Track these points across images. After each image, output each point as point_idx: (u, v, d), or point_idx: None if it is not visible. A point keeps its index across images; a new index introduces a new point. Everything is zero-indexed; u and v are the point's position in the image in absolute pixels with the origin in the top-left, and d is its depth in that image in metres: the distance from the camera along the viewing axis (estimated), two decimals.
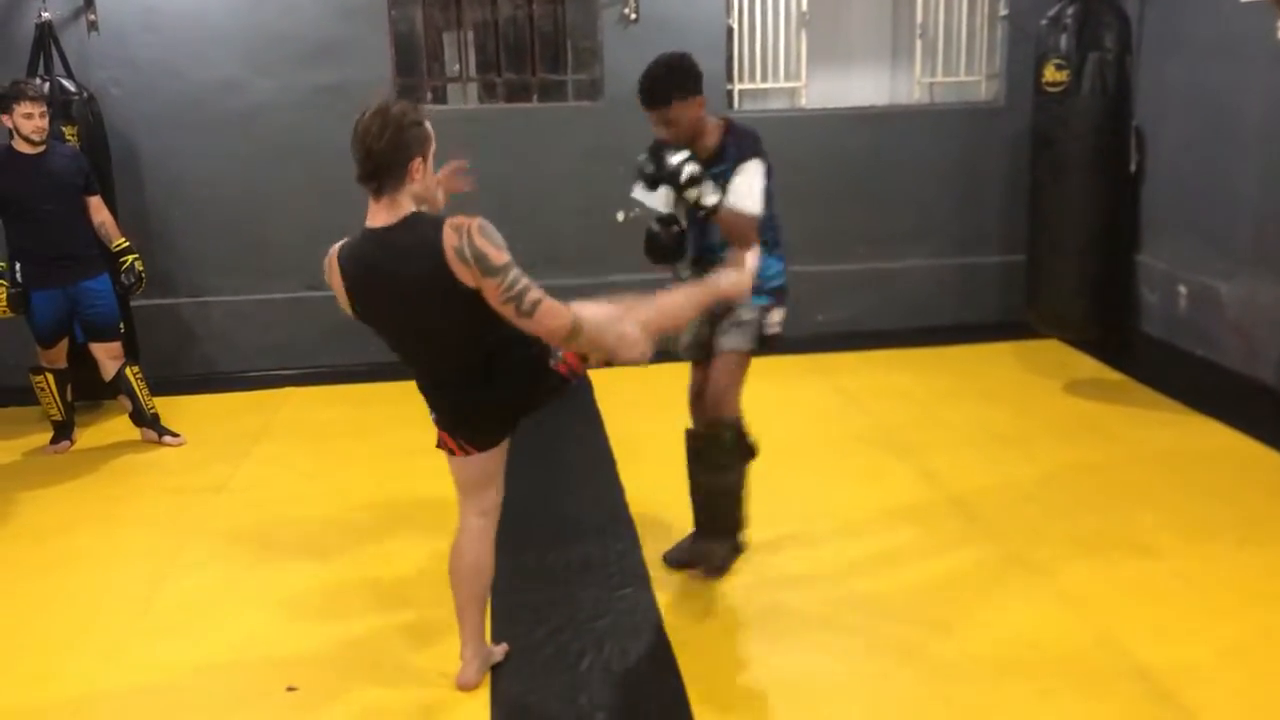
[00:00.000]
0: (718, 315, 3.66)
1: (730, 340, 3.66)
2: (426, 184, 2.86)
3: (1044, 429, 5.21)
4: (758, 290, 3.53)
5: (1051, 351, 6.42)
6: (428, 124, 2.81)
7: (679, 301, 3.23)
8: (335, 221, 6.26)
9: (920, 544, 4.08)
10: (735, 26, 6.77)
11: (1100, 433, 5.13)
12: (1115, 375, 6.01)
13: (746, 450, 3.76)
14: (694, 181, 3.42)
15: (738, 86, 6.86)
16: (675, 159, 3.42)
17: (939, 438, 5.13)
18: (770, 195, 3.57)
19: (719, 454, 3.70)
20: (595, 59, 6.70)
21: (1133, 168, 6.21)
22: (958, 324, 6.96)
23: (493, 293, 2.72)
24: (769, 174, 3.55)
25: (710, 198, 3.44)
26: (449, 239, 2.69)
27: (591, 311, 2.87)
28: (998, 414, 5.43)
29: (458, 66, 6.80)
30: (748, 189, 3.47)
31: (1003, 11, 6.95)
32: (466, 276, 2.71)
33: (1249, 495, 4.38)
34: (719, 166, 3.53)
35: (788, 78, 6.91)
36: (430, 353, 2.94)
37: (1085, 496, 4.43)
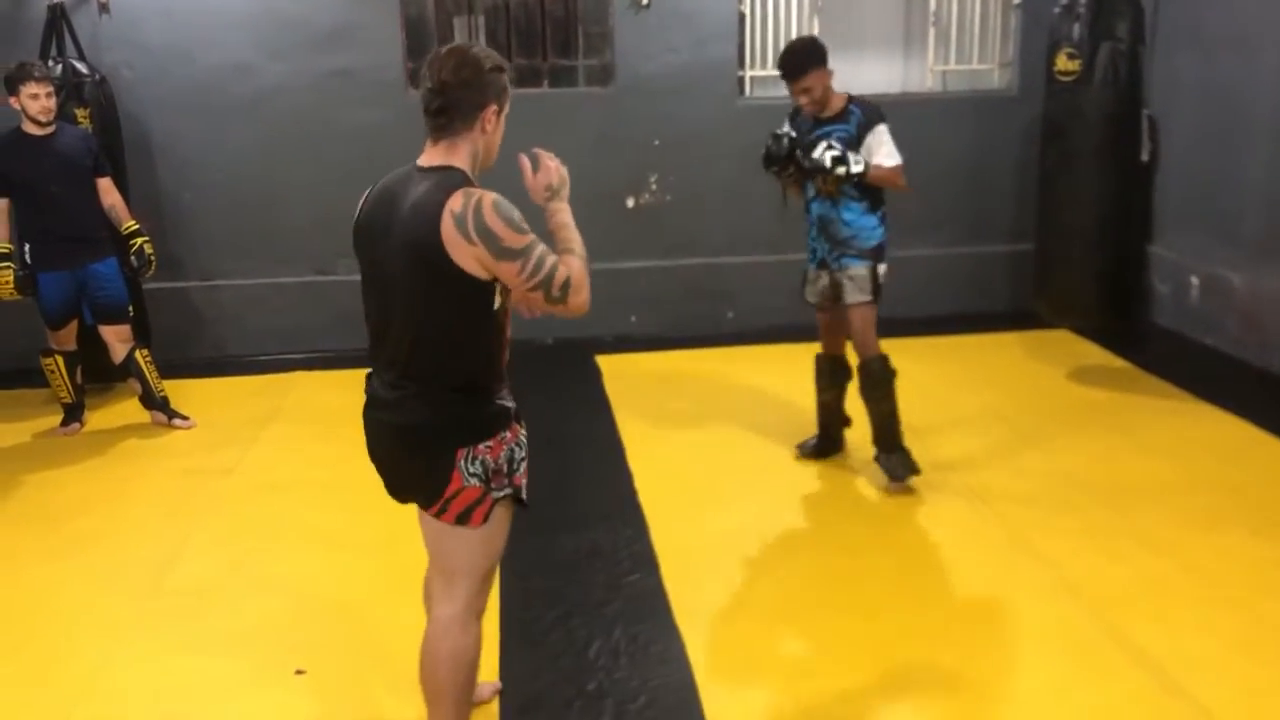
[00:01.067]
0: (833, 270, 4.39)
1: (850, 294, 4.37)
2: (493, 142, 2.52)
3: (1053, 419, 5.20)
4: (858, 252, 4.32)
5: (1061, 341, 6.41)
6: (507, 77, 2.50)
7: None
8: (345, 206, 6.24)
9: (927, 532, 4.09)
10: (747, 13, 6.75)
11: (1109, 423, 5.12)
12: (1125, 365, 6.00)
13: (891, 376, 4.42)
14: (839, 163, 4.08)
15: (749, 73, 6.84)
16: (819, 150, 4.10)
17: (947, 428, 5.12)
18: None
19: (872, 386, 4.39)
20: (606, 44, 6.68)
21: (1145, 157, 6.18)
22: (967, 313, 6.94)
23: (514, 277, 2.39)
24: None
25: (856, 166, 4.11)
26: (453, 201, 2.34)
27: (580, 256, 2.55)
28: (1006, 404, 5.42)
29: None
30: (886, 148, 4.22)
31: (1016, 0, 6.91)
32: (465, 255, 2.34)
33: (1260, 486, 4.38)
34: (841, 125, 4.23)
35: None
36: (392, 331, 2.50)
37: (1094, 487, 4.42)
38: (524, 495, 2.62)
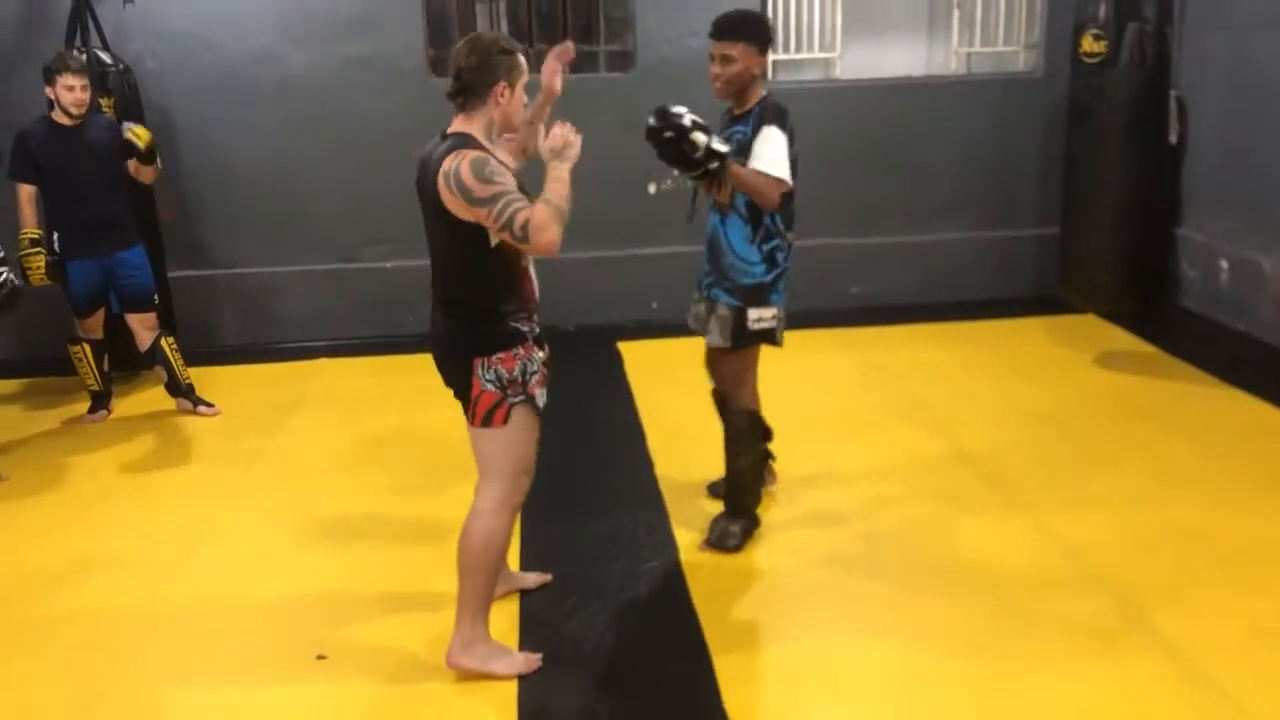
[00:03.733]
0: (706, 298, 3.82)
1: (711, 336, 3.81)
2: (508, 112, 3.00)
3: (1078, 404, 5.16)
4: (731, 288, 3.70)
5: (1087, 326, 6.35)
6: (520, 56, 2.99)
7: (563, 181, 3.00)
8: (369, 193, 6.32)
9: (950, 520, 4.06)
10: None
11: (1136, 408, 5.07)
12: (1152, 350, 5.93)
13: (758, 434, 3.88)
14: (700, 128, 3.43)
15: (772, 57, 6.79)
16: (677, 109, 3.47)
17: (971, 413, 5.10)
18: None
19: (734, 439, 3.86)
20: (628, 29, 6.66)
21: (1173, 139, 6.11)
22: (992, 298, 6.89)
23: (487, 222, 2.85)
24: (790, 147, 3.58)
25: (720, 145, 3.46)
26: (446, 162, 2.86)
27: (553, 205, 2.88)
28: (1031, 389, 5.38)
29: None
30: (766, 151, 3.53)
31: None
32: (451, 203, 2.86)
33: None
34: (739, 127, 3.65)
35: (822, 48, 6.84)
36: (432, 260, 3.10)
37: (1119, 473, 4.38)
38: (539, 403, 3.09)
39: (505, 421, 3.03)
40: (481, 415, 3.03)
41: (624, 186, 6.54)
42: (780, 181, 3.53)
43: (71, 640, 3.47)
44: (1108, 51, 5.75)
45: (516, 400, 3.03)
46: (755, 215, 3.65)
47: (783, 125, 3.56)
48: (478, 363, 3.00)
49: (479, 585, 3.13)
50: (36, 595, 3.78)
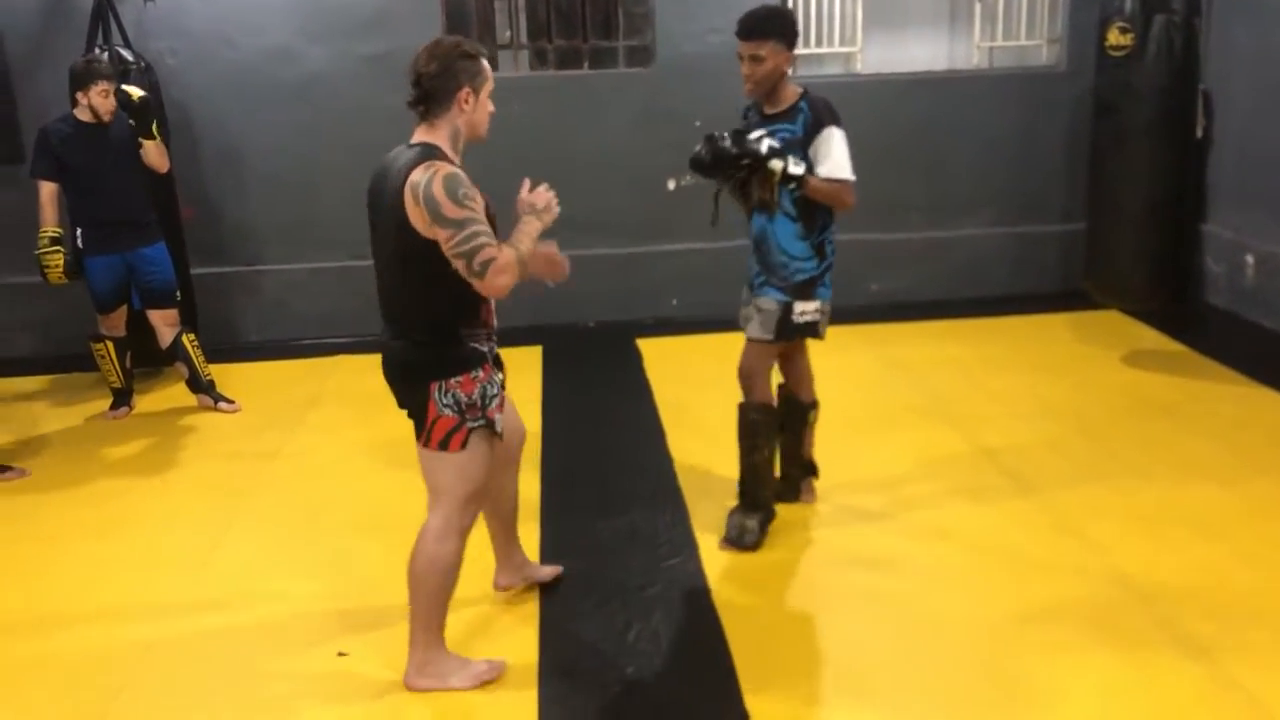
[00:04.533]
0: (753, 296, 3.82)
1: (751, 327, 3.81)
2: (474, 120, 2.90)
3: (1102, 401, 5.11)
4: (780, 284, 3.71)
5: (1111, 323, 6.29)
6: (484, 61, 2.90)
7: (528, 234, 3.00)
8: None
9: (972, 517, 4.03)
10: None
11: (1160, 406, 5.01)
12: (1177, 347, 5.87)
13: (768, 429, 3.85)
14: (776, 155, 3.49)
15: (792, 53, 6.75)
16: (754, 136, 3.50)
17: (993, 409, 5.05)
18: None
19: (744, 434, 3.85)
20: (647, 25, 6.63)
21: (1199, 133, 6.04)
22: (1015, 294, 6.83)
23: (445, 243, 2.75)
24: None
25: (797, 167, 3.51)
26: (415, 172, 2.75)
27: (519, 253, 2.88)
28: (1054, 386, 5.33)
29: (509, 33, 6.76)
30: (834, 155, 3.57)
31: None
32: (416, 217, 2.75)
33: None
34: (786, 124, 3.62)
35: (843, 42, 6.80)
36: (382, 280, 2.97)
37: (1144, 471, 4.33)
38: (498, 428, 3.00)
39: (463, 446, 2.93)
40: (438, 440, 2.93)
41: (643, 183, 6.53)
42: (849, 183, 3.59)
43: (91, 634, 3.47)
44: (1134, 44, 5.67)
45: (476, 425, 2.93)
46: (806, 212, 3.65)
47: (839, 122, 3.60)
48: (434, 387, 2.88)
49: (427, 607, 3.04)
50: (57, 589, 3.79)
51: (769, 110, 3.69)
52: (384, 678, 3.17)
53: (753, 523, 3.84)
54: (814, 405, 4.06)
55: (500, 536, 3.52)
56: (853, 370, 5.65)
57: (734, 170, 3.53)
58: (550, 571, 3.64)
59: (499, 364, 3.05)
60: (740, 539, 3.82)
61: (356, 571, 3.83)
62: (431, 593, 3.02)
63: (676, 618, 3.43)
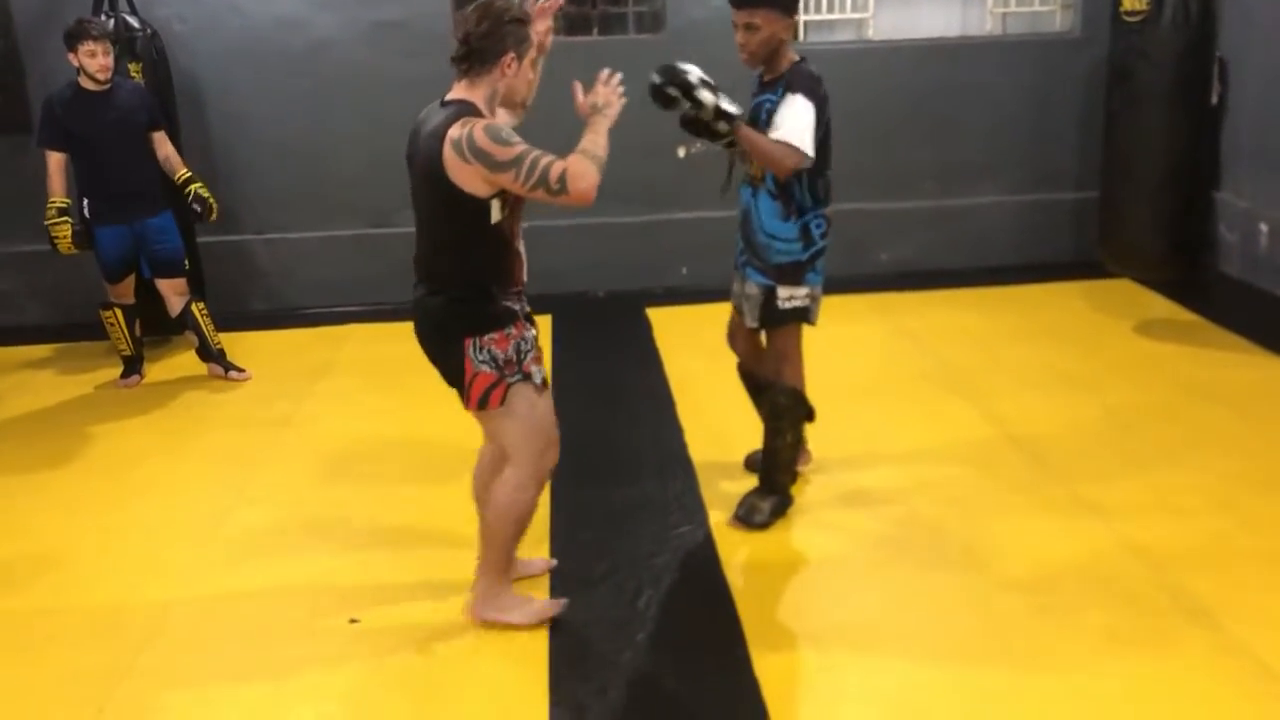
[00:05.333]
0: (740, 276, 3.74)
1: (746, 315, 3.74)
2: (514, 84, 2.92)
3: (1114, 371, 5.09)
4: (762, 266, 3.60)
5: (1124, 292, 6.25)
6: (530, 30, 2.92)
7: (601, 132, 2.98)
8: (396, 159, 6.26)
9: (984, 489, 4.02)
10: None
11: (1173, 375, 4.99)
12: (1190, 316, 5.84)
13: (799, 413, 3.78)
14: (707, 86, 3.37)
15: (803, 18, 6.69)
16: (684, 66, 3.40)
17: (1005, 379, 5.04)
18: (818, 147, 3.45)
19: (773, 417, 3.76)
20: None
21: (1214, 100, 5.97)
22: (1027, 263, 6.79)
23: (514, 185, 2.77)
24: (820, 119, 3.42)
25: (730, 106, 3.39)
26: (453, 130, 2.76)
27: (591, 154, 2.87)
28: (1067, 355, 5.31)
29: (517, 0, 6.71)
30: (786, 120, 3.38)
31: None
32: (464, 174, 2.76)
33: None
34: (768, 95, 3.52)
35: (855, 8, 6.72)
36: (419, 236, 3.02)
37: (1157, 441, 4.32)
38: (537, 380, 3.03)
39: (503, 402, 2.98)
40: (477, 397, 2.98)
41: (653, 150, 6.46)
42: (796, 150, 3.35)
43: (105, 603, 3.50)
44: (1149, 10, 5.61)
45: (514, 380, 2.98)
46: (785, 191, 3.52)
47: (811, 93, 3.40)
48: (469, 343, 2.93)
49: (502, 550, 3.17)
50: (69, 557, 3.81)
51: (765, 79, 3.58)
52: (395, 644, 3.18)
53: (765, 504, 3.80)
54: (782, 390, 3.76)
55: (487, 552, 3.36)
56: (863, 340, 5.64)
57: (668, 102, 3.40)
58: (542, 565, 3.57)
59: (530, 320, 3.07)
60: (749, 517, 3.78)
61: (368, 538, 3.84)
62: (507, 538, 3.14)
63: (686, 585, 3.44)
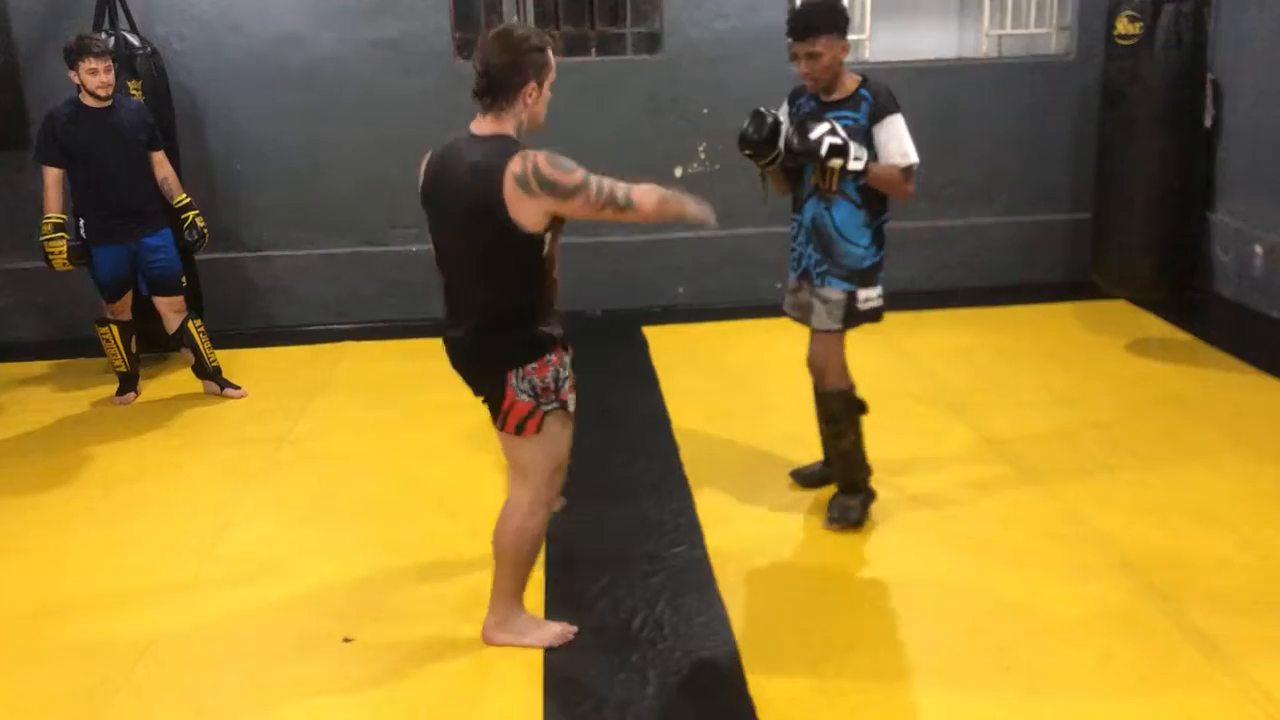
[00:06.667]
0: (813, 286, 3.81)
1: (818, 319, 3.81)
2: (534, 111, 2.90)
3: (1109, 391, 5.10)
4: (845, 273, 3.73)
5: (1118, 312, 6.27)
6: (550, 53, 2.89)
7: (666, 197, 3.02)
8: (394, 177, 6.35)
9: (978, 506, 4.03)
10: None
11: (1167, 395, 5.00)
12: (1184, 336, 5.86)
13: (854, 412, 3.89)
14: (836, 153, 3.47)
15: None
16: (815, 133, 3.46)
17: (999, 398, 5.05)
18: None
19: (829, 421, 3.90)
20: (655, 11, 6.61)
21: (1208, 122, 6.01)
22: (1022, 283, 6.82)
23: (584, 210, 2.81)
24: None
25: (856, 163, 3.51)
26: (513, 165, 2.75)
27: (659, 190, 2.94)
28: (1061, 375, 5.32)
29: (516, 19, 6.74)
30: (898, 144, 3.58)
31: None
32: (527, 209, 2.76)
33: None
34: (849, 112, 3.62)
35: (851, 29, 6.73)
36: (455, 272, 2.99)
37: (1150, 461, 4.33)
38: (571, 408, 3.08)
39: (539, 430, 3.00)
40: (515, 424, 2.99)
41: (650, 169, 6.48)
42: (909, 174, 3.59)
43: (95, 621, 3.49)
44: (1143, 33, 5.65)
45: (550, 408, 3.00)
46: (869, 198, 3.65)
47: (900, 108, 3.60)
48: (511, 375, 2.94)
49: (514, 573, 3.19)
50: (60, 575, 3.80)
51: (828, 98, 3.66)
52: (390, 663, 3.18)
53: (854, 502, 3.90)
54: (832, 396, 3.90)
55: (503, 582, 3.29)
56: (859, 359, 5.57)
57: (777, 156, 3.56)
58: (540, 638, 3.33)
59: (566, 345, 3.07)
60: (844, 516, 3.88)
61: (364, 557, 3.83)
62: (521, 561, 3.16)
63: (681, 604, 3.43)
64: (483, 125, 2.87)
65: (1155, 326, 6.05)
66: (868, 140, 3.58)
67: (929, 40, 6.96)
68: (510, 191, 2.75)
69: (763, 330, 6.06)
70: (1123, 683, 2.97)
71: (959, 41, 7.04)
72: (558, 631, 3.26)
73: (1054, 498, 4.06)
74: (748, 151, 3.63)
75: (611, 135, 6.48)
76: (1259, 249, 6.13)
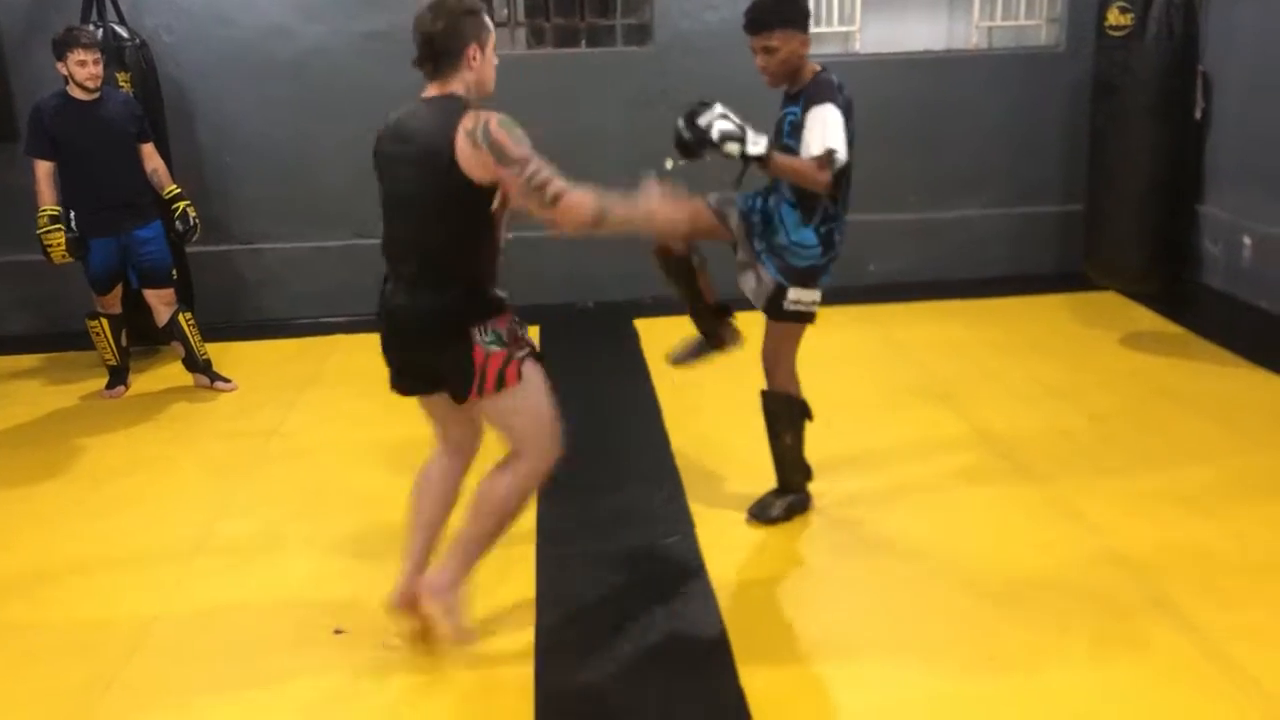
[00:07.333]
0: (753, 250, 3.72)
1: (751, 287, 3.74)
2: (482, 74, 2.91)
3: (1099, 382, 5.11)
4: (779, 266, 3.64)
5: (1109, 304, 6.29)
6: (486, 17, 2.90)
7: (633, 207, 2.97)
8: None
9: (969, 498, 4.04)
10: None
11: (1157, 386, 5.02)
12: (1174, 328, 5.88)
13: (797, 418, 3.82)
14: (729, 138, 3.33)
15: None
16: (704, 119, 3.35)
17: (991, 390, 5.06)
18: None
19: (770, 420, 3.84)
20: (645, 3, 6.60)
21: (1198, 115, 6.03)
22: (1013, 275, 6.83)
23: (512, 184, 2.78)
24: (845, 124, 3.45)
25: (754, 147, 3.35)
26: (465, 120, 2.76)
27: (604, 202, 2.87)
28: (1052, 367, 5.33)
29: (506, 11, 6.73)
30: (813, 134, 3.41)
31: None
32: (472, 162, 2.74)
33: None
34: (791, 108, 3.56)
35: (842, 21, 6.77)
36: (400, 223, 2.95)
37: (1140, 452, 4.34)
38: (538, 349, 3.02)
39: (520, 376, 2.91)
40: (494, 377, 2.87)
41: (640, 161, 6.49)
42: (825, 164, 3.36)
43: (86, 616, 3.48)
44: (1133, 25, 5.66)
45: (522, 354, 2.93)
46: (804, 199, 3.55)
47: (835, 100, 3.44)
48: (474, 330, 2.85)
49: (481, 545, 3.09)
50: (51, 570, 3.79)
51: (789, 91, 3.61)
52: (381, 655, 3.17)
53: (779, 501, 3.88)
54: (771, 396, 3.82)
55: (423, 547, 3.25)
56: (851, 351, 5.65)
57: (694, 155, 3.39)
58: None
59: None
60: (763, 513, 3.86)
61: (354, 549, 3.83)
62: (492, 533, 3.07)
63: (672, 595, 3.44)
64: (432, 90, 2.90)
65: (1145, 318, 6.06)
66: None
67: (919, 32, 6.96)
68: (462, 143, 2.74)
69: (753, 322, 6.05)
70: (1111, 671, 2.98)
71: (949, 34, 7.04)
72: (467, 630, 3.15)
73: (1044, 488, 4.07)
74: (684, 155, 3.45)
75: (601, 127, 6.47)
76: (1248, 241, 6.15)
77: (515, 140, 2.77)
